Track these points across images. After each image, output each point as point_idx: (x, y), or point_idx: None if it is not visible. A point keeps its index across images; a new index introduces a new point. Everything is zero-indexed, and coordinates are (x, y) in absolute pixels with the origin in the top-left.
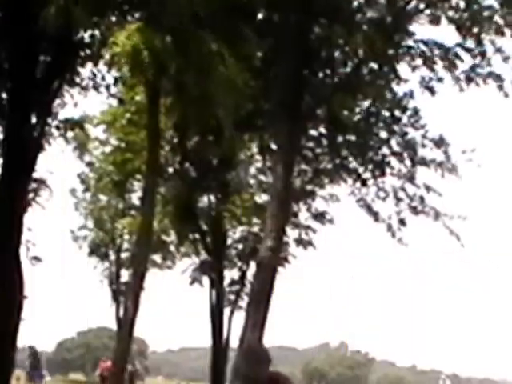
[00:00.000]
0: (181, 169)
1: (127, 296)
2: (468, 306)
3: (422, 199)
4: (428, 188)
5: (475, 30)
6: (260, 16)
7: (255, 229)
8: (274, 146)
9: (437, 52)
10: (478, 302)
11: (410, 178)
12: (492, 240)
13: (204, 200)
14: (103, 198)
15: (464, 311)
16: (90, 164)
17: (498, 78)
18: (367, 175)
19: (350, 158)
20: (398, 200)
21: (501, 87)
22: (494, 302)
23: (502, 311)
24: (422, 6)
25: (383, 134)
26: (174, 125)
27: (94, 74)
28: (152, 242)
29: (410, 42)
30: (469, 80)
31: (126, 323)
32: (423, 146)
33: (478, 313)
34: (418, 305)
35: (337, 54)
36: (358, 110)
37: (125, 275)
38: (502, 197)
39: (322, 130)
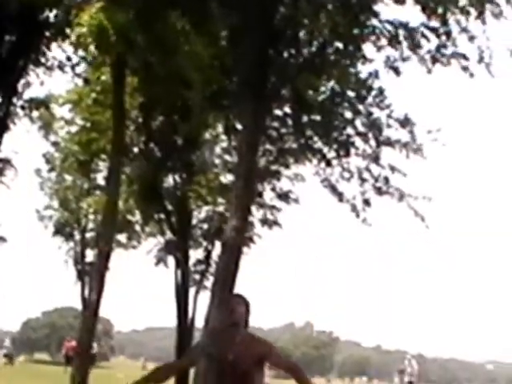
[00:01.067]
0: (146, 149)
1: (92, 276)
2: (433, 287)
3: (386, 180)
4: (393, 168)
5: (440, 9)
6: None
7: (220, 208)
8: (239, 126)
9: (402, 32)
10: (443, 282)
11: (375, 159)
12: (457, 220)
13: (169, 180)
14: (68, 177)
15: (429, 292)
16: (55, 144)
17: (463, 58)
18: (332, 155)
19: (315, 138)
20: (363, 180)
21: (465, 68)
22: (460, 283)
23: (467, 291)
24: None
25: (348, 114)
26: (139, 105)
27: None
28: (117, 221)
29: (375, 22)
30: (434, 60)
31: (91, 303)
32: (388, 126)
33: (443, 293)
34: (383, 285)
35: (302, 33)
36: (323, 89)
37: (90, 255)
38: (467, 176)
39: (287, 109)
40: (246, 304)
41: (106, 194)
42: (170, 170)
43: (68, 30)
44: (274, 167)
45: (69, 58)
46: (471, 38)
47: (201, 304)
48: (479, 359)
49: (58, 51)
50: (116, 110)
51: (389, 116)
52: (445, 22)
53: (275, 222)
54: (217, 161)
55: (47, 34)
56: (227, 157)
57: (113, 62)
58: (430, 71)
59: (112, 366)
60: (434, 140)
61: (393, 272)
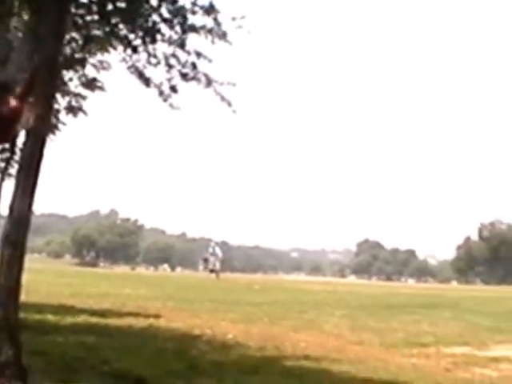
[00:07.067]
0: None
1: None
2: (238, 174)
3: (193, 66)
4: (199, 54)
5: None
6: None
7: None
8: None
9: None
10: (246, 163)
11: (181, 45)
12: (262, 105)
13: None
14: None
15: (234, 178)
16: None
17: None
18: (138, 42)
19: (121, 26)
20: (170, 67)
21: None
22: (267, 172)
23: (272, 178)
24: None
25: (153, 1)
26: None
27: None
28: None
29: None
30: None
31: None
32: (193, 12)
33: (247, 179)
34: (189, 171)
35: None
36: None
37: None
38: (270, 63)
39: None
40: None
41: None
42: None
43: None
44: (79, 55)
45: None
46: None
47: (5, 192)
48: (284, 247)
49: None
50: None
51: (193, 3)
52: None
53: (80, 109)
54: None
55: None
56: None
57: None
58: None
59: None
60: (238, 27)
61: (199, 156)
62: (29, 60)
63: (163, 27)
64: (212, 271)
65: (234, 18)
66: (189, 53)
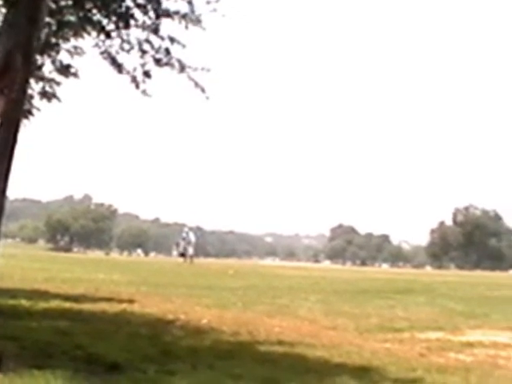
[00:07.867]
0: None
1: None
2: (209, 159)
3: (167, 51)
4: (172, 40)
5: None
6: None
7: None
8: None
9: None
10: (219, 153)
11: (155, 30)
12: (237, 92)
13: None
14: None
15: (208, 164)
16: None
17: None
18: (111, 27)
19: (94, 11)
20: (143, 52)
21: None
22: (241, 158)
23: (245, 164)
24: None
25: None
26: None
27: None
28: None
29: None
30: None
31: None
32: None
33: (221, 167)
34: (162, 157)
35: None
36: None
37: None
38: (247, 47)
39: None
40: None
41: None
42: None
43: None
44: (53, 40)
45: None
46: None
47: None
48: (258, 232)
49: None
50: None
51: None
52: None
53: (54, 95)
54: None
55: None
56: None
57: None
58: None
59: None
60: (213, 11)
61: (173, 141)
62: (4, 48)
63: (137, 12)
64: (182, 255)
65: (208, 2)
66: (162, 38)
